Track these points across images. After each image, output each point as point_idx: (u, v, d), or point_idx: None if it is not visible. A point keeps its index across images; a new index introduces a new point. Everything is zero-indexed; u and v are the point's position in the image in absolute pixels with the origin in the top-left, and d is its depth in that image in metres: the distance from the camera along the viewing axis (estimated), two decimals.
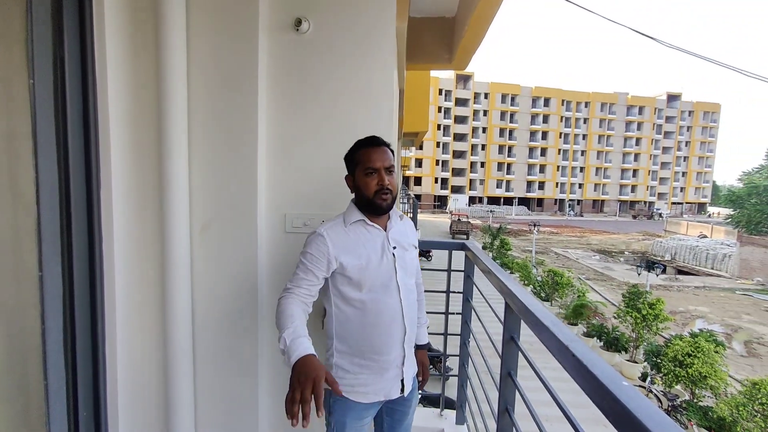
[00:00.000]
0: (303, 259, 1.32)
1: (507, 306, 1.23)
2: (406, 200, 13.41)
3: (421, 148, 51.36)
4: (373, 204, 1.33)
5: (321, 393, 1.00)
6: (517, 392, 1.20)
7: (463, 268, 2.04)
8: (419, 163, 56.33)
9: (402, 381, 1.38)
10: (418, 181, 57.21)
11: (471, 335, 2.08)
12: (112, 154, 1.43)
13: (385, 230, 1.38)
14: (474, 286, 2.03)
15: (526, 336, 1.12)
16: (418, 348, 1.53)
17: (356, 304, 1.31)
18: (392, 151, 1.40)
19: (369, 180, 1.32)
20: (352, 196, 1.43)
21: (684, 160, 66.38)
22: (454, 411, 2.24)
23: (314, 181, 1.76)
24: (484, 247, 21.06)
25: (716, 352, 7.70)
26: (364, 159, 1.33)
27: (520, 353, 1.20)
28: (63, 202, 1.29)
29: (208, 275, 1.70)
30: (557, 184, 61.66)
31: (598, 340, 9.61)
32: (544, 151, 60.31)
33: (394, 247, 1.37)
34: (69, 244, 1.32)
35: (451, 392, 2.44)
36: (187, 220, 1.64)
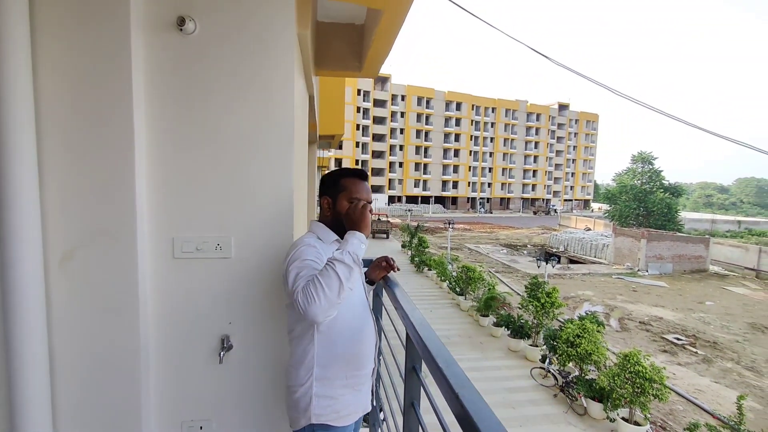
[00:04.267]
0: (306, 258, 1.26)
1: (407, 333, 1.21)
2: None
3: (340, 147, 51.20)
4: None
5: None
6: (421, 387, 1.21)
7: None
8: (339, 163, 56.09)
9: (372, 391, 1.47)
10: None
11: (382, 333, 2.07)
12: None
13: None
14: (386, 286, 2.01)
15: None
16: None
17: (339, 322, 1.32)
18: None
19: None
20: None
21: (573, 162, 75.78)
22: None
23: (208, 200, 1.58)
24: (403, 246, 21.68)
25: (598, 331, 8.86)
26: (353, 188, 1.44)
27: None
28: None
29: (72, 314, 1.43)
30: (469, 183, 66.02)
31: (507, 329, 10.47)
32: (457, 153, 64.12)
33: None
34: None
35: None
36: (40, 249, 1.35)
